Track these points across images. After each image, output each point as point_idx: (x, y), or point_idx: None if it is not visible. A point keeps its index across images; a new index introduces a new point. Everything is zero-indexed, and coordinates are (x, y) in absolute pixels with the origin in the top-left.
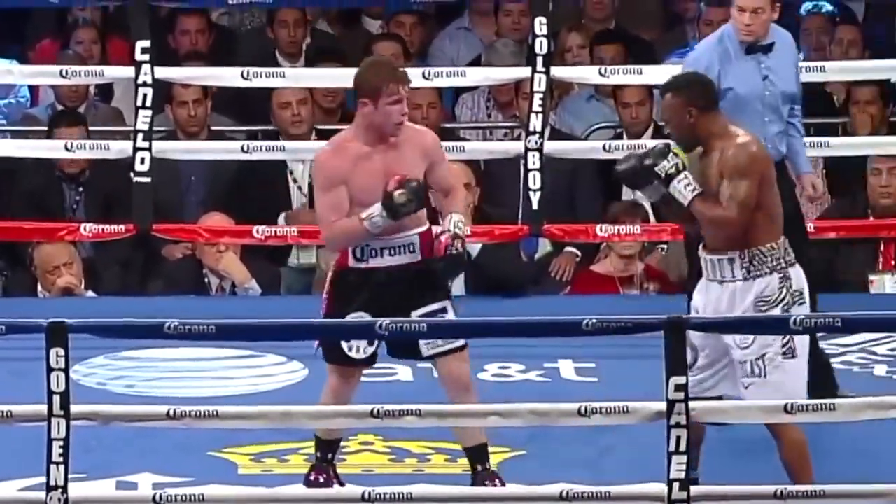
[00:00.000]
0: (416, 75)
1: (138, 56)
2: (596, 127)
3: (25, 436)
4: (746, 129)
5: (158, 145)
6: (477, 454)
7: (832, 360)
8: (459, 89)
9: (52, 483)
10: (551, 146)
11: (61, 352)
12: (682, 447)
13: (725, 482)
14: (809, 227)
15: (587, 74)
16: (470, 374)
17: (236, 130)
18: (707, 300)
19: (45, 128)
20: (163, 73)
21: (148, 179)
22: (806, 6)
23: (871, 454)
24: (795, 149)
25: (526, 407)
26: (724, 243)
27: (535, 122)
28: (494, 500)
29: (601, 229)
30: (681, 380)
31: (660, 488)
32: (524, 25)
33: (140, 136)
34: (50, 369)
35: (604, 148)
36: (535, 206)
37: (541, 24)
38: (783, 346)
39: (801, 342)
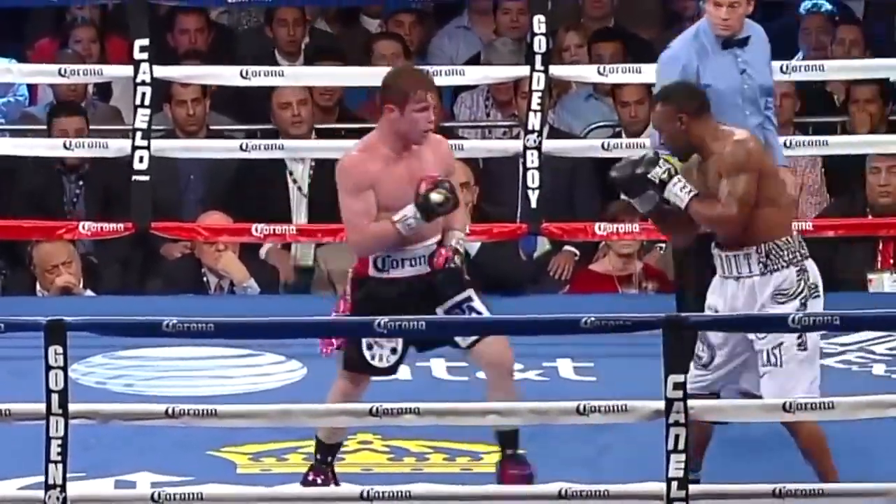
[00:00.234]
0: None
1: (137, 55)
2: (594, 126)
3: (24, 434)
4: (732, 122)
5: (157, 144)
6: (507, 438)
7: (831, 359)
8: (458, 88)
9: (51, 482)
10: (550, 145)
11: (60, 350)
12: (681, 446)
13: (724, 481)
14: (808, 225)
15: (586, 73)
16: (511, 358)
17: (235, 129)
18: (724, 298)
19: (44, 126)
20: (162, 71)
21: (147, 178)
22: (805, 5)
23: (869, 453)
24: (770, 142)
25: (525, 406)
26: (738, 239)
27: (534, 121)
28: (494, 498)
29: (600, 228)
30: (679, 378)
31: (658, 487)
32: (523, 24)
33: (139, 134)
34: (48, 368)
35: (602, 147)
36: (533, 204)
37: (539, 23)
38: (798, 337)
39: (813, 338)
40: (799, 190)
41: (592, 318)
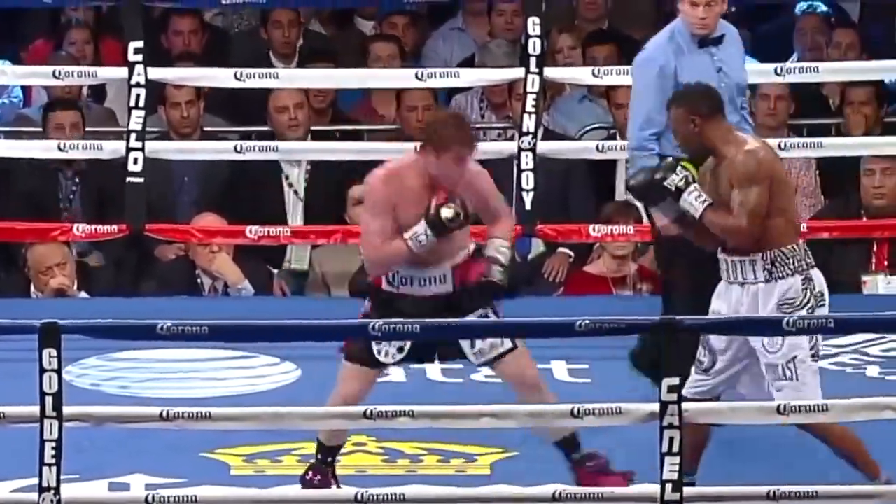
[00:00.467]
0: (409, 76)
1: (131, 57)
2: (589, 127)
3: (18, 437)
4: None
5: (151, 146)
6: (567, 444)
7: (825, 361)
8: (453, 90)
9: (45, 484)
10: (544, 146)
11: (54, 352)
12: (676, 448)
13: (718, 483)
14: (803, 227)
15: (580, 75)
16: (533, 370)
17: (229, 131)
18: (728, 303)
19: (39, 128)
20: (156, 73)
21: (141, 180)
22: (801, 6)
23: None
24: None
25: (520, 408)
26: (744, 245)
27: (528, 123)
28: (488, 500)
29: (594, 230)
30: (674, 381)
31: (653, 489)
32: (517, 25)
33: (133, 136)
34: (43, 370)
35: (597, 148)
36: (528, 206)
37: (534, 25)
38: (811, 348)
39: (819, 339)
40: (793, 191)
41: (587, 321)
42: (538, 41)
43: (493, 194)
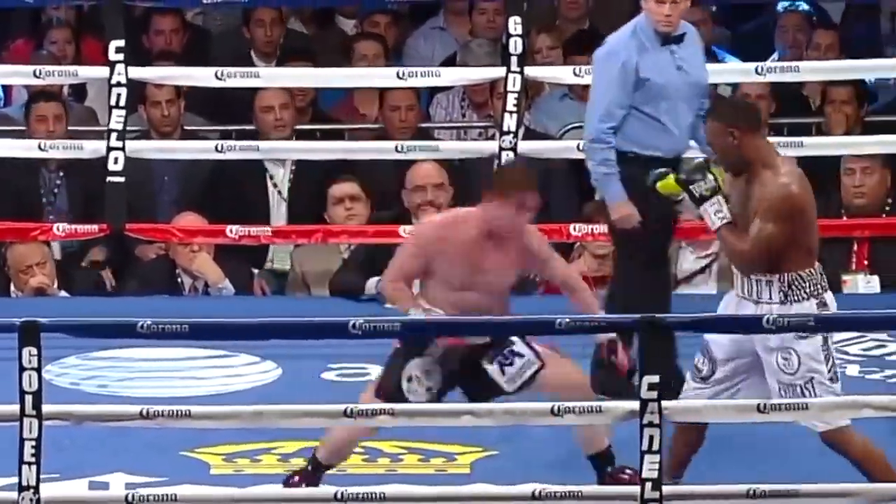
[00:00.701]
0: (390, 75)
1: (112, 56)
2: (570, 127)
3: None
4: (668, 118)
5: (132, 145)
6: (603, 459)
7: None
8: (434, 89)
9: (24, 483)
10: (525, 146)
11: (34, 351)
12: (656, 446)
13: (698, 482)
14: None
15: (561, 74)
16: (578, 373)
17: (210, 130)
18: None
19: (21, 127)
20: (137, 72)
21: (121, 179)
22: (783, 4)
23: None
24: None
25: (499, 406)
26: (764, 264)
27: (510, 122)
28: (468, 499)
29: (575, 229)
30: (654, 379)
31: (632, 488)
32: (499, 24)
33: (114, 135)
34: (22, 369)
35: (578, 147)
36: None
37: (515, 24)
38: (829, 370)
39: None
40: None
41: (567, 320)
42: (519, 40)
43: (547, 253)
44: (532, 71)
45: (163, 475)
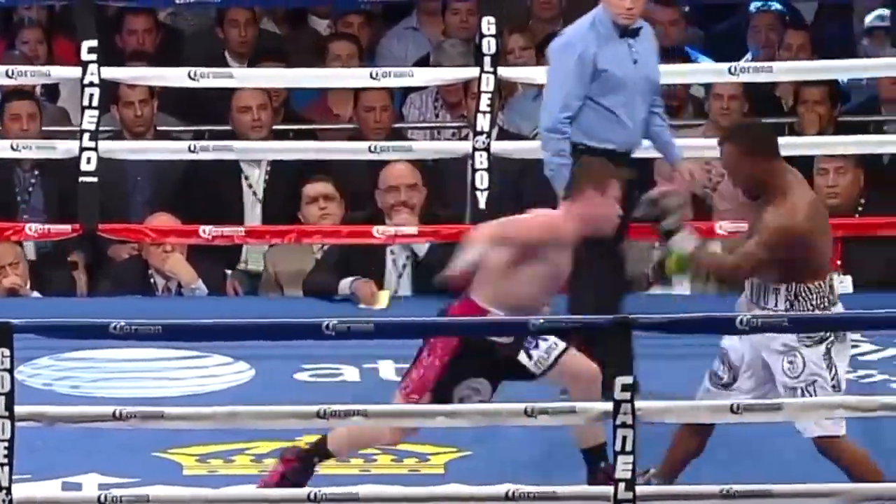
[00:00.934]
0: (363, 75)
1: (85, 56)
2: None
3: None
4: (624, 111)
5: (105, 145)
6: (596, 454)
7: None
8: (407, 89)
9: None
10: (498, 146)
11: (6, 352)
12: (629, 447)
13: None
14: None
15: (535, 74)
16: (591, 365)
17: (183, 130)
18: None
19: None
20: (110, 73)
21: (94, 179)
22: (755, 4)
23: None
24: (665, 139)
25: (473, 407)
26: (771, 272)
27: (483, 122)
28: (441, 499)
29: None
30: (627, 380)
31: (606, 488)
32: (472, 24)
33: (86, 135)
34: None
35: None
36: (482, 205)
37: (489, 24)
38: (832, 378)
39: (841, 371)
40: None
41: (542, 320)
42: (493, 40)
43: None
44: (505, 71)
45: (136, 476)
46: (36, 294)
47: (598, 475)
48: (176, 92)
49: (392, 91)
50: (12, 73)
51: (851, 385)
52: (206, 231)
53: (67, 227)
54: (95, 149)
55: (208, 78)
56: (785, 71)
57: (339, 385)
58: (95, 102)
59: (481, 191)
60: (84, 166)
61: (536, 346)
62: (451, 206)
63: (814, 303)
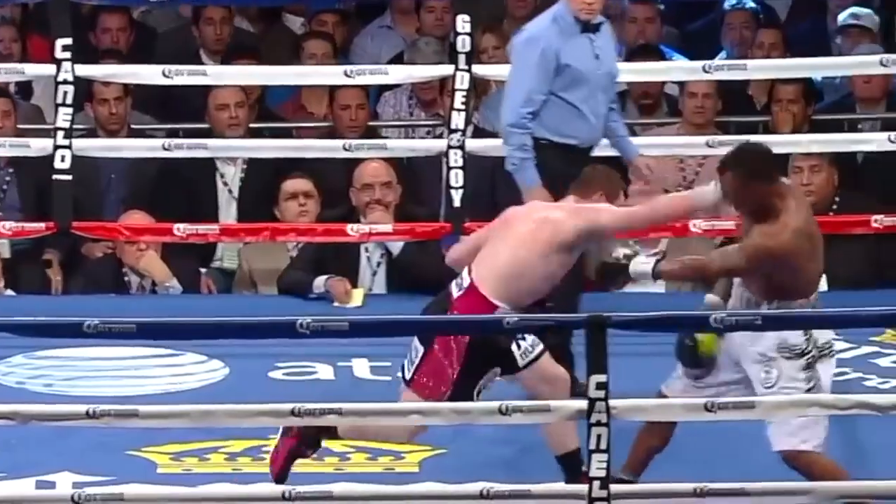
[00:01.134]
0: (338, 73)
1: (59, 54)
2: None
3: None
4: (586, 106)
5: (79, 143)
6: (573, 459)
7: None
8: (382, 87)
9: None
10: (473, 144)
11: None
12: (603, 445)
13: (645, 480)
14: (731, 225)
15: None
16: (555, 364)
17: (157, 128)
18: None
19: None
20: (84, 70)
21: (68, 177)
22: (729, 2)
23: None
24: (620, 133)
25: (447, 405)
26: (755, 287)
27: (458, 120)
28: (416, 497)
29: None
30: (601, 378)
31: (580, 486)
32: (447, 22)
33: (60, 133)
34: None
35: None
36: (456, 203)
37: (463, 22)
38: (808, 391)
39: (824, 385)
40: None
41: (515, 318)
42: (468, 38)
43: None
44: (480, 69)
45: (110, 474)
46: (10, 292)
47: (583, 480)
48: (150, 90)
49: (367, 89)
50: None
51: None
52: (181, 229)
53: (41, 225)
54: (69, 147)
55: (183, 76)
56: (759, 69)
57: (314, 383)
58: (69, 100)
59: (456, 189)
60: (58, 164)
61: (524, 338)
62: (426, 204)
63: None
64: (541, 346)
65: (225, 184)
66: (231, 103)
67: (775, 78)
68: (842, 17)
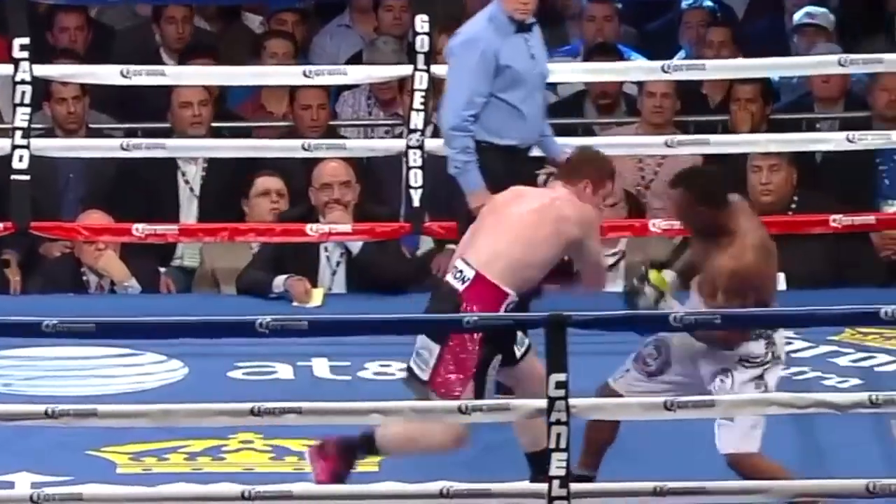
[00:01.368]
0: (297, 73)
1: (16, 53)
2: None
3: None
4: (525, 106)
5: (37, 143)
6: (542, 457)
7: None
8: (341, 87)
9: None
10: (432, 144)
11: None
12: (563, 444)
13: (605, 479)
14: None
15: None
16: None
17: (115, 128)
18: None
19: None
20: (42, 70)
21: (26, 177)
22: (687, 1)
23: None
24: (545, 133)
25: (407, 404)
26: (713, 303)
27: (417, 120)
28: (375, 497)
29: None
30: (561, 377)
31: (540, 485)
32: (405, 21)
33: (18, 133)
34: None
35: None
36: (416, 203)
37: (422, 22)
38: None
39: (772, 384)
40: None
41: (475, 318)
42: (426, 38)
43: None
44: (439, 69)
45: (69, 474)
46: None
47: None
48: (108, 89)
49: (329, 89)
50: None
51: (785, 382)
52: (139, 229)
53: (0, 226)
54: (28, 146)
55: (141, 76)
56: (718, 69)
57: (273, 383)
58: (27, 100)
59: (415, 188)
60: (16, 164)
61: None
62: (385, 204)
63: (756, 332)
64: (528, 342)
65: (186, 182)
66: (195, 101)
67: (733, 77)
68: (797, 16)
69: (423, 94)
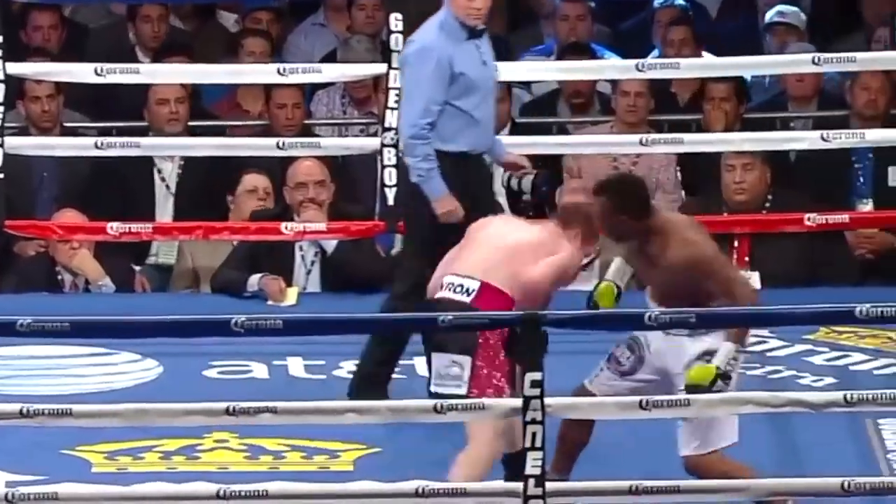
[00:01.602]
0: (271, 71)
1: None
2: None
3: None
4: (478, 112)
5: (11, 141)
6: (515, 459)
7: None
8: (315, 86)
9: None
10: None
11: None
12: (538, 443)
13: (581, 478)
14: None
15: None
16: None
17: (89, 127)
18: (656, 340)
19: None
20: (15, 68)
21: (0, 176)
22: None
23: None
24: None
25: (382, 404)
26: (673, 302)
27: (391, 119)
28: (351, 496)
29: None
30: (536, 376)
31: (516, 484)
32: (378, 20)
33: None
34: None
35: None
36: (390, 202)
37: (396, 20)
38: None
39: (734, 384)
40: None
41: (451, 317)
42: (400, 37)
43: None
44: None
45: (44, 474)
46: None
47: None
48: (82, 87)
49: (304, 88)
50: None
51: (761, 381)
52: (114, 228)
53: None
54: (2, 145)
55: (115, 74)
56: (692, 67)
57: (248, 382)
58: (1, 98)
59: (390, 187)
60: None
61: None
62: (360, 203)
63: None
64: None
65: (163, 179)
66: (171, 98)
67: (708, 76)
68: (769, 14)
69: (398, 92)
